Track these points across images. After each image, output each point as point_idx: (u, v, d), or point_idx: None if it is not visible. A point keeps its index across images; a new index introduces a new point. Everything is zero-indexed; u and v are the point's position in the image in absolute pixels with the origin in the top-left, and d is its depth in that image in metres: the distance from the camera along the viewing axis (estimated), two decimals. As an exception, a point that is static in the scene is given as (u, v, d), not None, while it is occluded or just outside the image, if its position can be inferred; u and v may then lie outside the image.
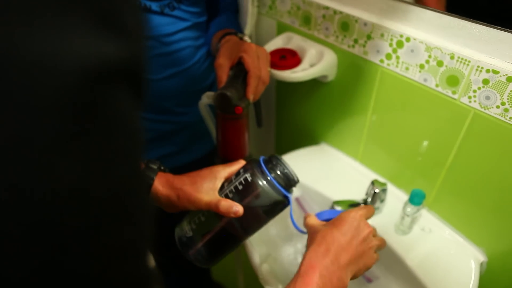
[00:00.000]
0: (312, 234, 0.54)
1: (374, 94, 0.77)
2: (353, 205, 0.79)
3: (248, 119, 0.71)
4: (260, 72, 0.69)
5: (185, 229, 0.58)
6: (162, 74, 0.82)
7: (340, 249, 0.50)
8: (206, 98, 0.71)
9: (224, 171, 0.58)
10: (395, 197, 0.83)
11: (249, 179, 0.54)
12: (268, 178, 0.54)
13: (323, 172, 0.91)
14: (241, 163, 0.60)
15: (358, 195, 0.82)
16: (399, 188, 0.84)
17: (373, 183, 0.77)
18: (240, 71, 0.69)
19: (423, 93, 0.68)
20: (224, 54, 0.73)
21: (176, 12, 0.77)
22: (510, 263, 0.69)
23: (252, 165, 0.56)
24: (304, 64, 0.80)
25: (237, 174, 0.57)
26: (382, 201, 0.79)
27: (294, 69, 0.79)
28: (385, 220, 0.80)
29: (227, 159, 0.69)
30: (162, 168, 0.60)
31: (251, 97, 0.69)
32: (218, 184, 0.57)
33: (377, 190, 0.77)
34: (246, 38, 0.80)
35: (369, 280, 0.82)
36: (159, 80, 0.82)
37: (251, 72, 0.68)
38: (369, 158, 0.88)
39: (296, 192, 0.92)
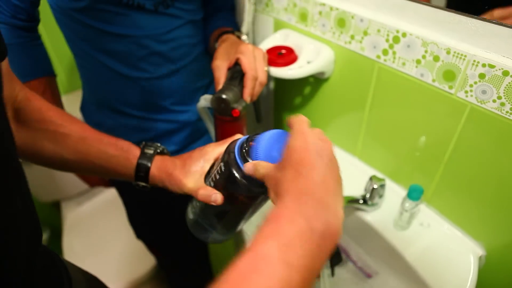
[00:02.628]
0: (269, 183, 0.41)
1: (371, 90, 0.77)
2: (352, 201, 0.80)
3: (246, 119, 0.72)
4: (257, 73, 0.70)
5: (189, 212, 0.56)
6: (159, 72, 0.82)
7: (316, 188, 0.36)
8: (204, 101, 0.71)
9: (214, 152, 0.53)
10: (394, 193, 0.83)
11: (223, 168, 0.47)
12: (241, 169, 0.44)
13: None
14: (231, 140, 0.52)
15: (357, 191, 0.82)
16: (398, 183, 0.84)
17: (371, 178, 0.78)
18: (237, 73, 0.69)
19: (420, 88, 0.68)
20: (221, 55, 0.73)
21: (170, 10, 0.77)
22: (508, 257, 0.69)
23: (229, 150, 0.47)
24: (301, 61, 0.80)
25: (220, 158, 0.50)
26: (380, 196, 0.79)
27: (291, 66, 0.79)
28: (384, 215, 0.80)
29: None
30: (159, 151, 0.58)
31: (248, 98, 0.69)
32: (207, 166, 0.52)
33: (375, 186, 0.77)
34: (244, 37, 0.80)
35: (368, 276, 0.82)
36: (155, 79, 0.82)
37: (247, 74, 0.68)
38: (367, 153, 0.88)
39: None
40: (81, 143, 0.55)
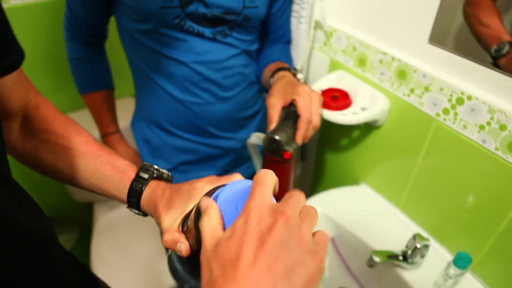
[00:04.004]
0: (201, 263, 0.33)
1: (425, 145, 0.75)
2: (392, 256, 0.77)
3: (295, 161, 0.71)
4: (312, 117, 0.69)
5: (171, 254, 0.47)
6: (209, 99, 0.83)
7: (239, 279, 0.27)
8: (256, 139, 0.71)
9: (203, 189, 0.44)
10: (436, 252, 0.79)
11: (194, 216, 0.39)
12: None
13: (361, 214, 0.89)
14: (227, 180, 0.44)
15: (396, 245, 0.80)
16: (441, 243, 0.81)
17: (415, 237, 0.75)
18: (291, 113, 0.69)
19: (479, 154, 0.65)
20: (277, 93, 0.73)
21: (228, 39, 0.79)
22: None
23: (200, 203, 0.37)
24: (355, 106, 0.79)
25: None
26: (422, 256, 0.76)
27: (344, 111, 0.78)
28: (424, 276, 0.76)
29: None
30: (155, 175, 0.51)
31: (300, 141, 0.69)
32: (191, 205, 0.44)
33: (418, 245, 0.74)
34: (300, 76, 0.80)
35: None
36: (205, 104, 0.84)
37: (302, 117, 0.68)
38: (412, 207, 0.85)
39: (331, 232, 0.91)
40: (79, 158, 0.51)
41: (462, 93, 0.64)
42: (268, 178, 0.33)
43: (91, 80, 0.92)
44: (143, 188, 0.49)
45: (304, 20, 0.86)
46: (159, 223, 0.45)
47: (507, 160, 0.61)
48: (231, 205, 0.35)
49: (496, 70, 0.60)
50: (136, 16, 0.74)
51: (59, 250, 0.43)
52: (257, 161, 0.81)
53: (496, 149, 0.62)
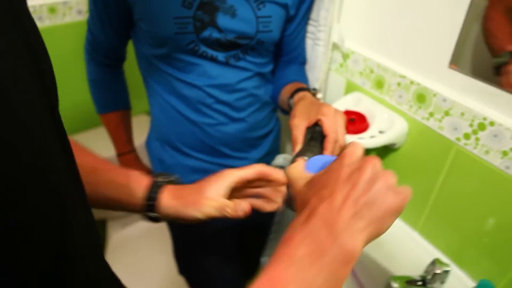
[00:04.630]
0: (296, 198, 0.43)
1: (445, 169, 0.74)
2: (410, 282, 0.75)
3: None
4: (338, 136, 0.68)
5: None
6: (222, 120, 0.84)
7: (327, 209, 0.36)
8: (282, 160, 0.70)
9: (233, 175, 0.53)
10: (456, 278, 0.78)
11: None
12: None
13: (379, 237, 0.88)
14: (254, 168, 0.55)
15: (414, 269, 0.78)
16: (461, 268, 0.79)
17: (435, 262, 0.74)
18: (317, 134, 0.68)
19: (503, 180, 0.64)
20: (300, 114, 0.72)
21: (240, 63, 0.80)
22: None
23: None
24: (373, 129, 0.79)
25: None
26: (442, 282, 0.74)
27: (362, 135, 0.78)
28: (444, 302, 0.75)
29: None
30: (170, 179, 0.56)
31: None
32: (226, 188, 0.52)
33: (438, 271, 0.73)
34: (319, 95, 0.80)
35: None
36: (218, 125, 0.84)
37: (329, 136, 0.66)
38: (431, 230, 0.84)
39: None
40: (92, 174, 0.52)
41: (484, 119, 0.64)
42: (357, 144, 0.40)
43: (108, 101, 0.93)
44: (161, 190, 0.52)
45: (321, 42, 0.87)
46: (199, 208, 0.51)
47: (532, 187, 0.60)
48: (318, 163, 0.46)
49: (519, 97, 0.59)
50: (152, 41, 0.75)
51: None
52: None
53: (520, 175, 0.61)
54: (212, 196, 0.51)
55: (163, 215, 0.53)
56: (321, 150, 0.67)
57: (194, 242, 1.06)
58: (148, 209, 0.52)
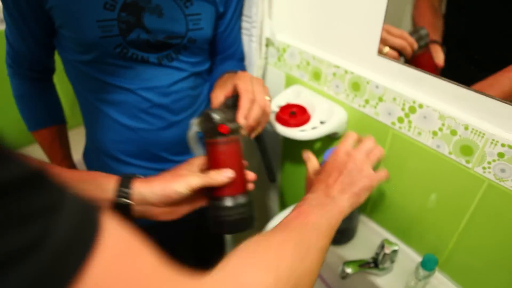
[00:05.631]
0: (308, 185, 0.64)
1: (384, 153, 0.77)
2: (363, 265, 0.78)
3: (241, 151, 0.62)
4: (254, 95, 0.66)
5: None
6: (160, 124, 0.81)
7: (325, 187, 0.57)
8: (194, 126, 0.63)
9: (199, 160, 0.62)
10: (405, 255, 0.81)
11: None
12: None
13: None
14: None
15: (368, 252, 0.81)
16: (409, 246, 0.83)
17: (384, 243, 0.76)
18: (234, 99, 0.66)
19: (435, 159, 0.68)
20: (219, 86, 0.72)
21: (174, 63, 0.77)
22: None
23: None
24: (314, 120, 0.80)
25: None
26: (392, 262, 0.77)
27: (303, 127, 0.79)
28: (396, 279, 0.78)
29: (215, 196, 0.59)
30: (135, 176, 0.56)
31: (242, 120, 0.63)
32: (197, 168, 0.61)
33: (387, 251, 0.75)
34: None
35: None
36: (156, 130, 0.82)
37: (242, 94, 0.65)
38: (378, 213, 0.87)
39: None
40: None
41: (414, 102, 0.67)
42: (348, 136, 0.64)
43: (39, 117, 0.87)
44: (132, 178, 0.54)
45: (255, 38, 0.86)
46: (178, 180, 0.54)
47: (461, 163, 0.64)
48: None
49: (442, 79, 0.62)
50: (77, 48, 0.71)
51: None
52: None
53: (450, 153, 0.65)
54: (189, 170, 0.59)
55: (137, 201, 0.53)
56: (234, 110, 0.64)
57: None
58: (121, 195, 0.52)
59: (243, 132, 0.64)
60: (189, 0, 0.73)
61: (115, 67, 0.73)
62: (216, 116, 0.58)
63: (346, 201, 0.55)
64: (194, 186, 0.55)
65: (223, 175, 0.57)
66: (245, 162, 0.63)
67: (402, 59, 0.67)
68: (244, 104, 0.64)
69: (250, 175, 0.63)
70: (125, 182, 0.53)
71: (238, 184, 0.59)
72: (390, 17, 0.66)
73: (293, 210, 0.53)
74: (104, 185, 0.52)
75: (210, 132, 0.59)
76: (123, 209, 0.52)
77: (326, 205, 0.54)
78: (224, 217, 0.58)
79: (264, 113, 0.68)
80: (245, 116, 0.64)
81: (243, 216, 0.59)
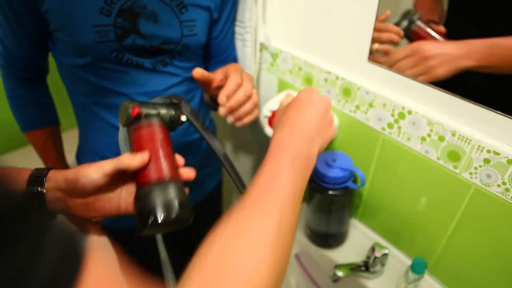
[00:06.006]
0: (276, 117, 0.59)
1: (375, 158, 0.78)
2: (354, 268, 0.79)
3: (166, 137, 0.56)
4: (242, 82, 0.66)
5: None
6: None
7: (303, 126, 0.52)
8: (121, 127, 0.60)
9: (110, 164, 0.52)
10: (395, 258, 0.82)
11: None
12: None
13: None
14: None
15: (359, 256, 0.82)
16: (399, 249, 0.84)
17: (374, 246, 0.77)
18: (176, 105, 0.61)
19: (424, 164, 0.69)
20: (213, 72, 0.71)
21: (168, 68, 0.78)
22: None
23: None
24: (306, 125, 0.81)
25: None
26: (383, 265, 0.78)
27: (296, 131, 0.80)
28: (386, 282, 0.79)
29: (137, 185, 0.53)
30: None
31: (222, 97, 0.62)
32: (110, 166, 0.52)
33: (378, 255, 0.76)
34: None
35: None
36: None
37: (230, 77, 0.66)
38: (369, 217, 0.88)
39: (294, 249, 0.92)
40: None
41: (403, 108, 0.68)
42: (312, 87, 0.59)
43: (32, 117, 0.87)
44: (46, 171, 0.50)
45: (249, 43, 0.87)
46: (95, 168, 0.50)
47: (449, 168, 0.65)
48: None
49: (430, 86, 0.64)
50: (72, 51, 0.72)
51: None
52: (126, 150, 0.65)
53: (438, 158, 0.66)
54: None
55: (50, 188, 0.49)
56: (176, 109, 0.60)
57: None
58: (34, 184, 0.48)
59: (223, 112, 0.63)
60: (184, 6, 0.74)
61: (110, 71, 0.73)
62: (128, 104, 0.54)
63: (316, 147, 0.54)
64: (107, 170, 0.49)
65: (136, 158, 0.50)
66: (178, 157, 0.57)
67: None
68: (229, 84, 0.63)
69: (179, 160, 0.56)
70: (41, 170, 0.49)
71: (161, 169, 0.52)
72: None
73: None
74: (20, 181, 0.48)
75: (127, 121, 0.55)
76: (36, 200, 0.48)
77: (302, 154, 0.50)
78: (146, 207, 0.48)
79: (251, 102, 0.67)
80: (227, 95, 0.63)
81: (169, 204, 0.48)
